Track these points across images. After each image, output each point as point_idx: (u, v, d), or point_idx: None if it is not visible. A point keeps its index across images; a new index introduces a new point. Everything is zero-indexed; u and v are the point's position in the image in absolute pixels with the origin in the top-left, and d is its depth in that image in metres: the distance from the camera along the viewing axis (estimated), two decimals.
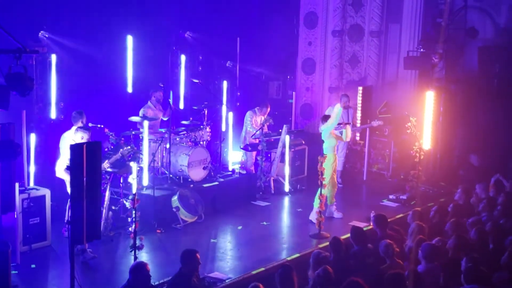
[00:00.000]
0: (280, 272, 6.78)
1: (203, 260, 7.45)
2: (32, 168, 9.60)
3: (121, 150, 9.68)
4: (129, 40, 13.11)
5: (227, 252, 9.61)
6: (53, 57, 11.66)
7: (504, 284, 6.76)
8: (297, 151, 13.65)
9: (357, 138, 14.97)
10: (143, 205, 8.90)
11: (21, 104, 9.11)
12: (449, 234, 8.29)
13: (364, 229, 9.32)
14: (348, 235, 8.40)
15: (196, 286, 7.31)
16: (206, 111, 12.74)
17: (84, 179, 6.17)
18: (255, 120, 13.19)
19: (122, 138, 10.50)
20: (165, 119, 12.11)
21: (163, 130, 11.94)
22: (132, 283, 6.64)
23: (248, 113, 13.30)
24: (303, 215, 11.37)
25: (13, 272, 8.04)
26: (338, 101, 13.92)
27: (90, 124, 9.95)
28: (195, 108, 13.06)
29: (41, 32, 12.05)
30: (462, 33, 14.33)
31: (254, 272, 8.75)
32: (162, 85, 11.90)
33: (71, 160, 6.18)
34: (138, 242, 7.98)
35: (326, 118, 11.09)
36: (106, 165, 9.37)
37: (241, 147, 13.13)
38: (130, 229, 8.17)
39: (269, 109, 13.27)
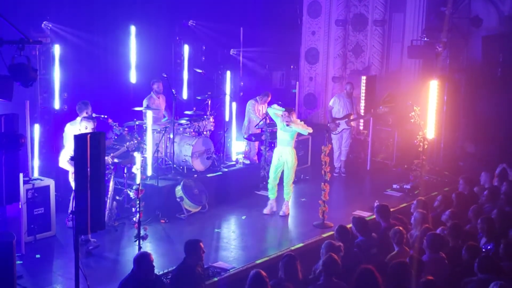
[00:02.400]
0: (284, 262, 6.78)
1: (207, 250, 7.46)
2: (36, 159, 9.62)
3: (126, 143, 9.67)
4: (132, 30, 13.10)
5: (231, 242, 9.64)
6: (57, 48, 11.65)
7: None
8: (300, 141, 13.61)
9: (361, 127, 14.96)
10: (147, 195, 8.91)
11: (24, 95, 9.14)
12: (447, 224, 8.30)
13: (368, 218, 9.32)
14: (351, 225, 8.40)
15: (200, 275, 7.34)
16: (209, 101, 12.74)
17: (88, 169, 6.17)
18: (257, 109, 13.17)
19: (126, 129, 10.50)
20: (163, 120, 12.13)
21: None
22: (136, 273, 6.67)
23: (250, 103, 13.26)
24: (307, 204, 11.38)
25: (18, 262, 8.08)
26: (343, 90, 13.92)
27: (94, 115, 9.95)
28: (199, 98, 13.06)
29: (44, 22, 12.03)
30: (466, 22, 14.28)
31: (257, 262, 8.78)
32: (165, 75, 11.89)
33: (75, 150, 6.18)
34: (142, 232, 8.00)
35: (290, 111, 10.71)
36: (109, 159, 9.32)
37: (245, 137, 13.13)
38: (134, 219, 8.19)
39: (270, 98, 13.24)
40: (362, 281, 6.28)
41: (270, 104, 13.28)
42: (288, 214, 10.87)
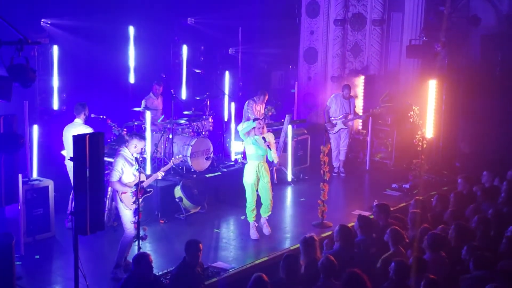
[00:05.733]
0: (286, 262, 6.75)
1: (206, 250, 7.46)
2: (35, 160, 9.60)
3: (172, 159, 9.34)
4: (131, 30, 13.10)
5: (230, 242, 9.64)
6: (55, 48, 11.66)
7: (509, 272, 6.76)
8: (299, 141, 13.63)
9: (360, 127, 14.97)
10: (146, 196, 8.90)
11: (23, 96, 9.14)
12: (449, 223, 8.28)
13: None
14: (352, 224, 8.40)
15: (200, 275, 7.35)
16: (208, 102, 12.75)
17: (87, 170, 6.17)
18: (256, 109, 13.17)
19: (125, 129, 10.50)
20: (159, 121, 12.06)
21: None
22: (135, 273, 6.67)
23: (247, 103, 13.26)
24: (306, 204, 11.38)
25: (17, 263, 8.07)
26: (340, 91, 13.90)
27: (92, 115, 9.94)
28: (197, 98, 13.07)
29: (43, 20, 12.03)
30: (464, 21, 14.28)
31: (257, 262, 8.78)
32: (164, 76, 11.90)
33: (74, 151, 6.18)
34: (141, 233, 8.00)
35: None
36: (160, 174, 8.78)
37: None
38: (133, 219, 8.18)
39: (267, 97, 13.23)
40: (350, 284, 6.24)
41: (267, 103, 13.30)
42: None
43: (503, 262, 6.98)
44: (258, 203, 9.82)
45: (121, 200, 8.16)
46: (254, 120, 9.81)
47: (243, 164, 12.23)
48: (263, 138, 9.53)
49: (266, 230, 9.93)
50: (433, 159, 13.78)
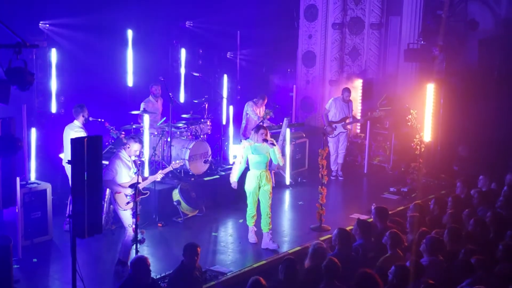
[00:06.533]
0: (285, 265, 6.74)
1: (204, 254, 7.44)
2: (33, 163, 9.59)
3: (172, 163, 9.35)
4: (129, 34, 13.11)
5: (228, 246, 9.63)
6: (53, 51, 11.65)
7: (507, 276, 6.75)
8: (297, 144, 13.64)
9: (358, 131, 14.97)
10: (144, 199, 8.90)
11: (21, 99, 9.12)
12: (447, 227, 8.28)
13: None
14: (350, 227, 8.39)
15: (198, 279, 7.34)
16: (206, 105, 12.76)
17: (85, 173, 6.16)
18: (255, 109, 13.17)
19: (123, 132, 10.49)
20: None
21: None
22: (133, 277, 6.66)
23: (248, 104, 13.27)
24: (304, 208, 11.37)
25: (15, 266, 8.05)
26: (339, 94, 13.89)
27: (90, 118, 9.93)
28: (196, 101, 13.07)
29: (41, 22, 12.02)
30: (462, 25, 14.30)
31: (255, 265, 8.78)
32: (162, 79, 11.89)
33: (72, 154, 6.17)
34: (139, 236, 7.99)
35: (258, 129, 9.63)
36: (159, 175, 8.87)
37: (242, 139, 13.09)
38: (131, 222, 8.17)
39: (266, 101, 13.25)
40: (363, 285, 6.23)
41: (266, 106, 13.30)
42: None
43: (501, 265, 6.98)
44: (259, 208, 9.79)
45: (114, 200, 8.17)
46: (257, 129, 9.58)
47: None
48: (265, 140, 9.47)
49: (273, 245, 9.47)
50: (431, 163, 13.78)
